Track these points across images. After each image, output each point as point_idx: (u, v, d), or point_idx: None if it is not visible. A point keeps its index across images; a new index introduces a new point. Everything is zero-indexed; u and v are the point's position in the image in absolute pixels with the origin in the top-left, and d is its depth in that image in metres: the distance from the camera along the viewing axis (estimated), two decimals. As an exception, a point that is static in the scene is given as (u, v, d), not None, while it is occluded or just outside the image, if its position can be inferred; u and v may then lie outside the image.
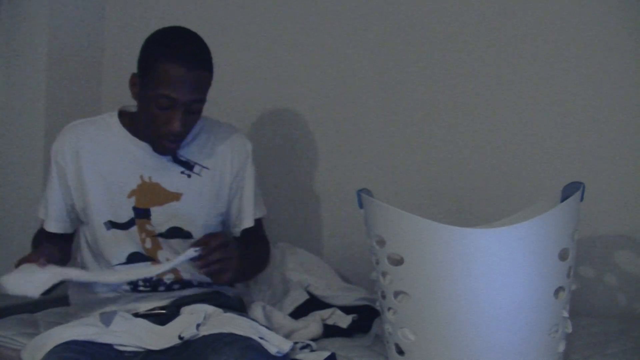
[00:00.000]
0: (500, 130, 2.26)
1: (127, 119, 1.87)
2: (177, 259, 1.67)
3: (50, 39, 2.48)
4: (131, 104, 1.89)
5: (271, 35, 2.54)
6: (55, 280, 1.62)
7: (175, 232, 1.85)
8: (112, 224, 1.84)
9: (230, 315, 1.68)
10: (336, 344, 1.85)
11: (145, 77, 1.75)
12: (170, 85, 1.71)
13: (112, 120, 1.87)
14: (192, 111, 1.77)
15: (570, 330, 1.64)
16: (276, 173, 2.52)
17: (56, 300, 2.10)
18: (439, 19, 2.33)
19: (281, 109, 2.54)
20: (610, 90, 2.13)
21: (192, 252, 1.64)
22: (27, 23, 2.48)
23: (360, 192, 1.68)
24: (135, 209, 1.83)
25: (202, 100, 1.78)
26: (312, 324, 1.92)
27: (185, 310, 1.71)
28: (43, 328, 1.90)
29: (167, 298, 1.82)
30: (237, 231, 1.96)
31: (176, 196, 1.85)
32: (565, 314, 1.61)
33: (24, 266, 1.63)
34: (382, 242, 1.61)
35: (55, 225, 1.87)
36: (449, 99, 2.32)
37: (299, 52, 2.52)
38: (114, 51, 2.73)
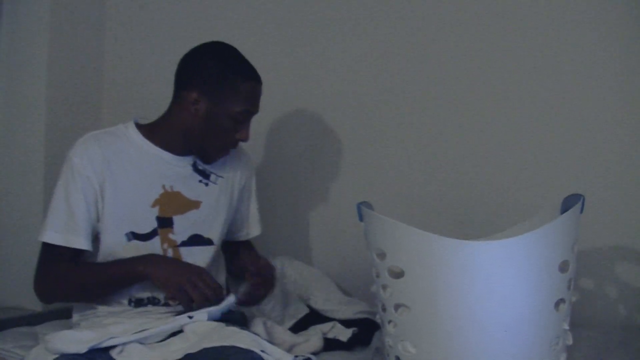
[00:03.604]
0: (500, 143, 2.26)
1: (145, 130, 1.92)
2: (219, 306, 1.74)
3: (51, 49, 2.49)
4: (141, 116, 1.97)
5: (275, 45, 2.54)
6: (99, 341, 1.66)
7: (197, 240, 1.93)
8: (134, 235, 1.86)
9: (232, 329, 1.68)
10: (337, 358, 1.85)
11: (220, 95, 1.86)
12: (251, 101, 1.90)
13: (131, 131, 1.92)
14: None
15: (571, 342, 1.64)
16: (276, 185, 2.52)
17: (57, 312, 2.11)
18: (443, 34, 2.34)
19: (280, 122, 2.54)
20: (611, 102, 2.14)
21: (232, 300, 1.76)
22: (28, 33, 2.48)
23: (360, 205, 1.68)
24: (158, 218, 1.88)
25: None
26: (312, 338, 1.92)
27: (188, 328, 1.71)
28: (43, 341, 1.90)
29: (169, 312, 1.82)
30: (241, 236, 2.11)
31: (196, 204, 1.94)
32: (566, 326, 1.61)
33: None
34: (382, 255, 1.61)
35: (86, 242, 1.84)
36: (450, 112, 2.33)
37: (300, 64, 2.52)
38: (115, 63, 2.74)
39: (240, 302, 1.84)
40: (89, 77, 2.67)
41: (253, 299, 1.87)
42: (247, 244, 2.16)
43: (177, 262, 1.86)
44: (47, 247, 1.85)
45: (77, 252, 1.85)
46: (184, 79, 1.90)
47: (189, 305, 1.76)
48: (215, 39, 1.95)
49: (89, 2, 2.68)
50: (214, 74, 1.86)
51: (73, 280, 1.85)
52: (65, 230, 1.83)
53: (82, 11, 2.64)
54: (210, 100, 1.86)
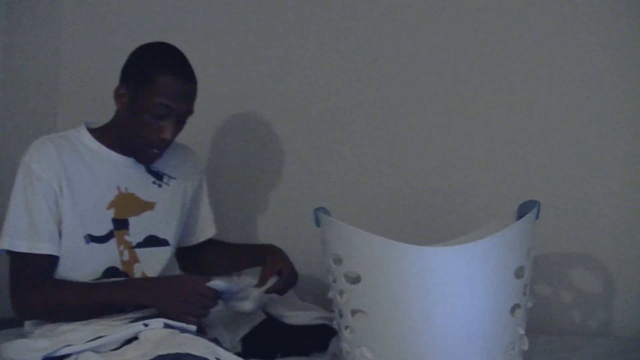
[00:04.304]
0: (456, 149, 2.28)
1: (97, 133, 1.92)
2: (177, 323, 1.70)
3: (5, 52, 2.45)
4: (92, 121, 1.96)
5: (236, 48, 2.53)
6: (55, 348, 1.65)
7: (152, 241, 1.94)
8: (91, 238, 1.85)
9: (187, 335, 1.66)
10: (294, 364, 1.84)
11: (139, 88, 1.84)
12: (168, 95, 1.82)
13: (83, 134, 1.91)
14: (182, 121, 1.89)
15: (526, 347, 1.65)
16: (232, 190, 2.51)
17: (8, 321, 2.06)
18: (395, 35, 2.35)
19: (239, 126, 2.53)
20: (564, 109, 2.16)
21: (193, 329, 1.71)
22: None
23: (317, 210, 1.68)
24: (114, 220, 1.88)
25: (192, 112, 1.91)
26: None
27: (143, 335, 1.69)
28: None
29: (125, 319, 1.80)
30: (196, 238, 2.13)
31: (150, 205, 1.95)
32: (522, 331, 1.62)
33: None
34: (339, 261, 1.61)
35: (51, 247, 1.81)
36: (406, 119, 2.34)
37: (259, 68, 2.51)
38: (71, 66, 2.71)
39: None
40: (45, 80, 2.64)
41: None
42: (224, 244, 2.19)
43: (172, 285, 1.79)
44: (19, 260, 1.80)
45: (53, 262, 1.82)
46: (120, 74, 1.91)
47: (198, 323, 1.73)
48: (171, 41, 1.94)
49: (45, 3, 2.65)
50: (136, 67, 1.87)
51: (65, 300, 1.78)
52: (28, 237, 1.79)
53: (39, 13, 2.61)
54: (132, 92, 1.86)
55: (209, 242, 2.18)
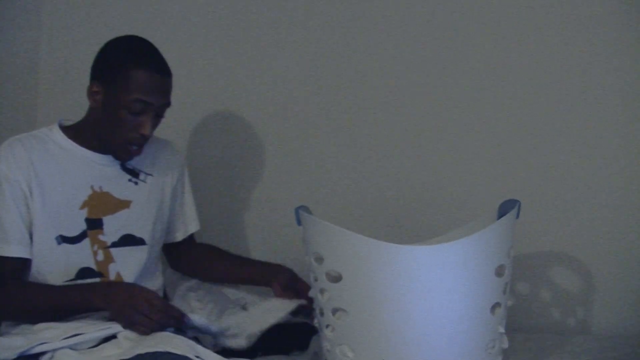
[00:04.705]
0: (437, 147, 2.28)
1: (71, 131, 1.90)
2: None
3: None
4: (68, 118, 1.94)
5: (216, 44, 2.52)
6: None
7: (128, 240, 1.91)
8: (63, 239, 1.83)
9: (166, 334, 1.66)
10: (274, 363, 1.84)
11: (113, 85, 1.82)
12: (144, 90, 1.81)
13: (55, 133, 1.89)
14: (160, 115, 1.88)
15: (506, 345, 1.65)
16: (212, 188, 2.50)
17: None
18: (373, 33, 2.35)
19: (220, 122, 2.52)
20: (544, 108, 2.17)
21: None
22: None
23: (298, 209, 1.67)
24: (87, 220, 1.86)
25: (169, 104, 1.89)
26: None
27: (121, 334, 1.68)
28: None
29: (103, 317, 1.79)
30: (180, 234, 2.09)
31: (126, 204, 1.92)
32: (502, 330, 1.63)
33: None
34: (320, 259, 1.61)
35: (20, 250, 1.80)
36: (388, 119, 2.33)
37: (240, 64, 2.50)
38: (51, 65, 2.68)
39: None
40: (24, 77, 2.61)
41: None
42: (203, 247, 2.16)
43: (128, 292, 1.75)
44: None
45: (23, 264, 1.81)
46: (90, 72, 1.89)
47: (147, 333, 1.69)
48: (152, 37, 1.93)
49: (25, 1, 2.62)
50: (109, 63, 1.85)
51: (26, 302, 1.79)
52: None
53: (18, 10, 2.59)
54: (106, 90, 1.83)
55: (212, 249, 2.16)
